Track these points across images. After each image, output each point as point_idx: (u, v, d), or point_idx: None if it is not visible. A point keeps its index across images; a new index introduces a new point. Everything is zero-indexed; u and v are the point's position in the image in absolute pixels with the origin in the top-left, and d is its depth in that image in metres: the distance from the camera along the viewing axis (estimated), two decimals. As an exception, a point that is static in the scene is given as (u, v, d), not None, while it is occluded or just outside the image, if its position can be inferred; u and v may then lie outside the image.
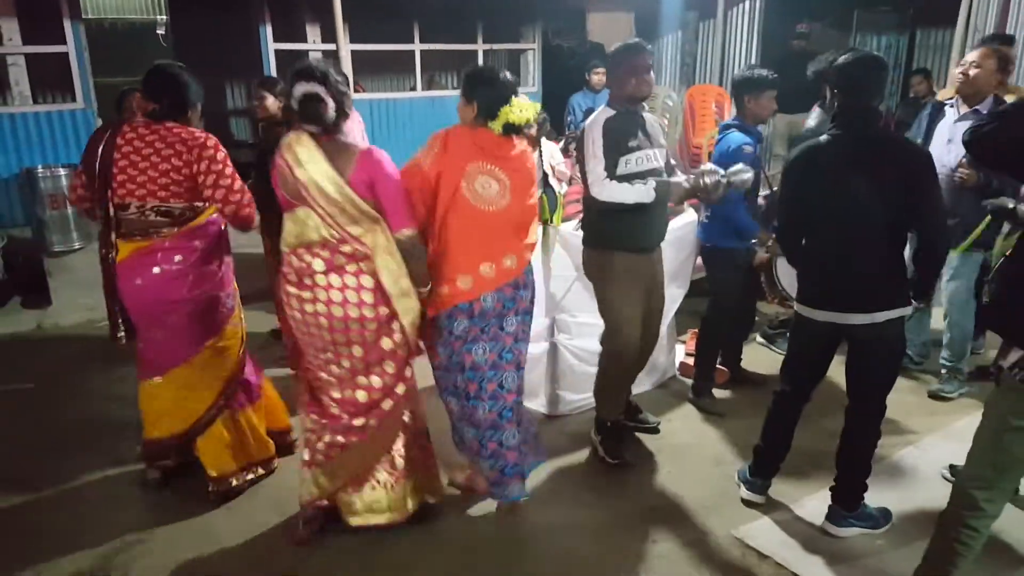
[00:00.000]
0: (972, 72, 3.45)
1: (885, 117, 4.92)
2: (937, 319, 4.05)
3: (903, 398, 3.76)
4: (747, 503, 2.91)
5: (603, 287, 3.13)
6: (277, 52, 7.12)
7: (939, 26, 7.78)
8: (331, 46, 6.31)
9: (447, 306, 2.63)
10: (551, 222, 3.73)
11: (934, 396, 3.81)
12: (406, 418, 2.71)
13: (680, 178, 3.14)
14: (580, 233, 3.29)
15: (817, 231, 2.64)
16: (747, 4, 8.10)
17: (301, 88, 2.42)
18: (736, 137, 3.44)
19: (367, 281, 2.49)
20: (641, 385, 3.72)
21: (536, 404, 3.65)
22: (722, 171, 3.07)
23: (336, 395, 2.62)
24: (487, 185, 2.59)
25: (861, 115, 2.51)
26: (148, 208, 2.73)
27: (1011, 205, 3.05)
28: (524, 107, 2.62)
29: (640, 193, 2.90)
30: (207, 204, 2.83)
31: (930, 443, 3.38)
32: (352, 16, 6.78)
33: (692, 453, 3.34)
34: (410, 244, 2.51)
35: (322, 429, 2.66)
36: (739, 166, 3.13)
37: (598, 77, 6.25)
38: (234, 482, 2.99)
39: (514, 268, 2.66)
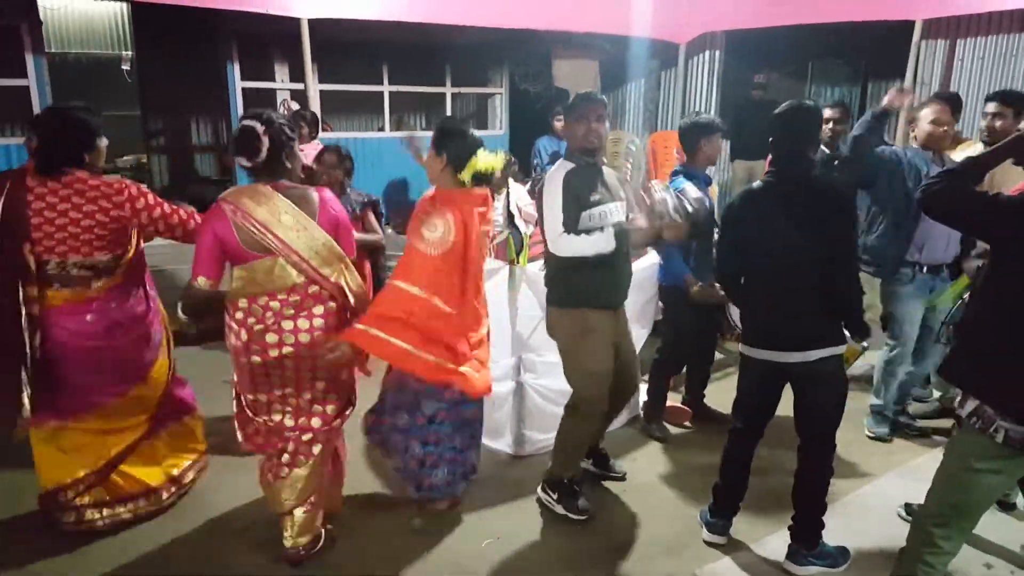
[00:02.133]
0: (945, 128, 3.59)
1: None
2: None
3: (859, 438, 3.84)
4: (709, 544, 2.92)
5: (570, 347, 3.02)
6: (245, 90, 7.15)
7: (889, 78, 8.12)
8: (299, 85, 6.36)
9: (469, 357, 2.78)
10: (517, 262, 3.78)
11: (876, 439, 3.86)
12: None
13: (639, 221, 3.05)
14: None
15: (753, 273, 2.74)
16: (707, 55, 8.39)
17: (242, 122, 2.50)
18: (680, 181, 3.60)
19: (332, 321, 2.59)
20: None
21: (502, 444, 3.64)
22: (669, 191, 3.08)
23: (290, 423, 2.65)
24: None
25: (794, 162, 2.64)
26: (70, 264, 2.66)
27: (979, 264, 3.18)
28: (491, 159, 2.75)
29: (599, 243, 2.82)
30: (129, 249, 2.82)
31: (887, 482, 3.44)
32: (321, 57, 6.87)
33: (656, 492, 3.35)
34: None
35: (276, 456, 2.68)
36: (682, 187, 3.32)
37: (559, 123, 6.38)
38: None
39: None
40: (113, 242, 2.71)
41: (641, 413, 4.05)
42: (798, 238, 2.57)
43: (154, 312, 2.96)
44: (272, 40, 7.22)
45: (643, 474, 3.50)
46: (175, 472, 3.10)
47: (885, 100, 3.57)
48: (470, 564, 2.79)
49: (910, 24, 5.46)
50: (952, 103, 3.73)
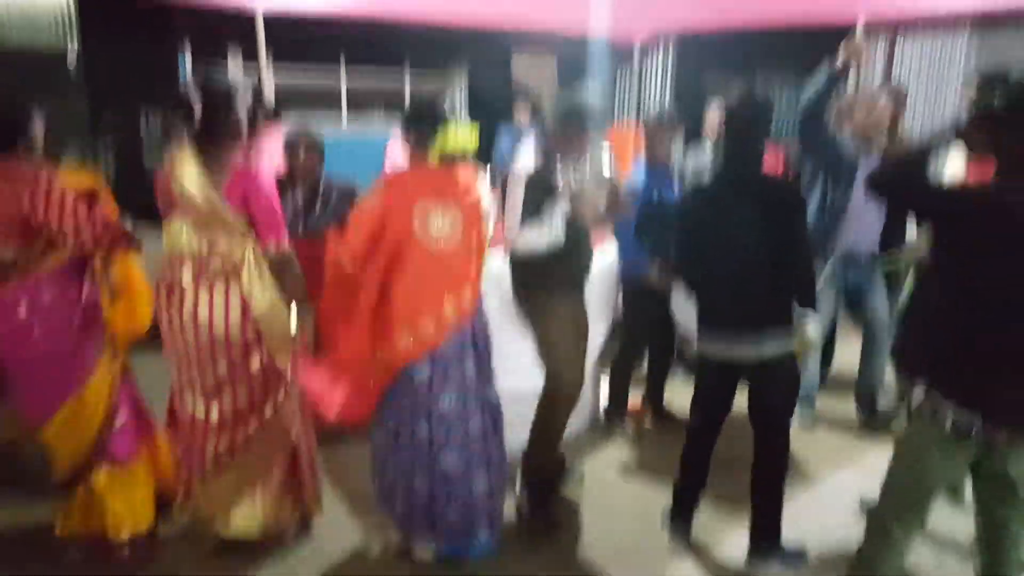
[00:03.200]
0: (884, 116, 3.74)
1: (786, 163, 5.25)
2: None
3: (811, 436, 3.92)
4: (671, 546, 2.96)
5: (546, 329, 3.02)
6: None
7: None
8: (254, 79, 6.21)
9: (416, 355, 2.55)
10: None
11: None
12: (288, 435, 2.74)
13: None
14: (505, 268, 3.29)
15: (706, 268, 2.77)
16: (660, 55, 8.52)
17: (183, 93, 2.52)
18: (638, 173, 3.75)
19: (234, 300, 2.53)
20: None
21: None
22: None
23: (201, 409, 2.62)
24: (441, 223, 2.56)
25: (743, 157, 2.68)
26: None
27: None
28: (458, 134, 2.61)
29: (546, 234, 2.83)
30: (53, 251, 2.62)
31: (840, 479, 3.53)
32: (277, 50, 6.72)
33: (617, 493, 3.39)
34: (279, 256, 2.61)
35: (190, 449, 2.68)
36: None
37: (518, 114, 6.47)
38: None
39: (468, 307, 2.62)
40: (21, 234, 2.51)
41: (602, 413, 4.10)
42: (747, 231, 2.60)
43: (83, 330, 2.66)
44: (226, 33, 7.03)
45: (604, 476, 3.54)
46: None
47: (840, 56, 3.44)
48: (435, 571, 2.78)
49: (853, 28, 5.60)
50: (896, 97, 3.85)
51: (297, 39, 6.85)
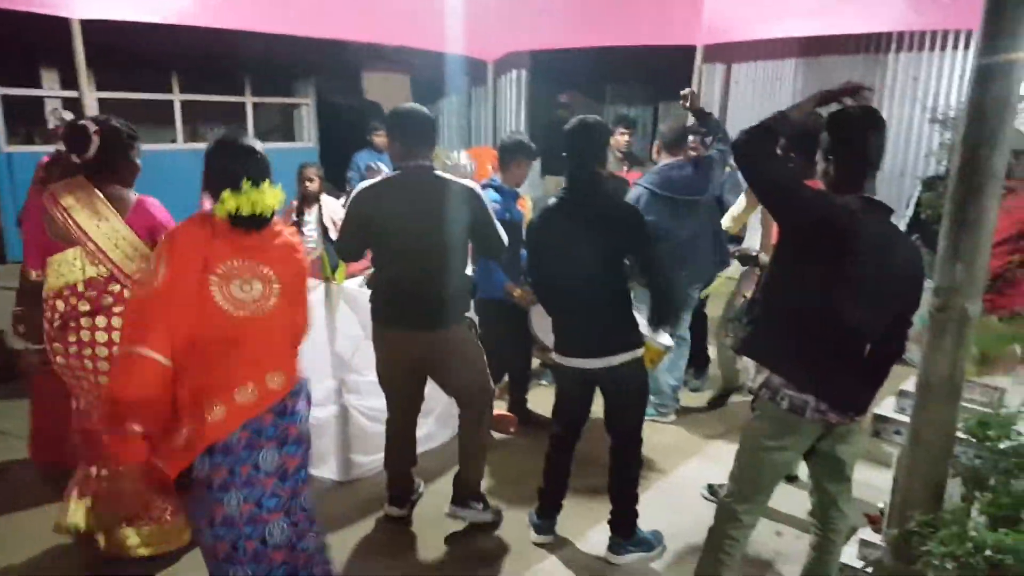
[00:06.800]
0: None
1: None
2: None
3: (660, 428, 4.12)
4: (537, 544, 3.01)
5: (477, 351, 3.09)
6: (5, 97, 6.30)
7: (677, 99, 8.90)
8: (73, 93, 5.70)
9: (199, 450, 2.00)
10: (333, 279, 3.64)
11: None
12: None
13: None
14: (366, 291, 3.21)
15: (556, 285, 2.85)
16: (514, 74, 8.72)
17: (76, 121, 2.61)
18: (489, 195, 3.60)
19: None
20: (438, 439, 3.77)
21: (326, 471, 3.47)
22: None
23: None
24: (248, 286, 2.06)
25: (582, 176, 2.74)
26: None
27: (754, 253, 3.54)
28: (258, 197, 2.01)
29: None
30: None
31: (688, 467, 3.73)
32: (100, 62, 6.20)
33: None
34: None
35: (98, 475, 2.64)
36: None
37: (380, 139, 6.33)
38: None
39: (279, 389, 2.11)
40: None
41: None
42: (589, 249, 2.69)
43: None
44: (38, 42, 6.41)
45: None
46: None
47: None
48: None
49: (694, 50, 6.00)
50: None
51: (124, 51, 6.37)
